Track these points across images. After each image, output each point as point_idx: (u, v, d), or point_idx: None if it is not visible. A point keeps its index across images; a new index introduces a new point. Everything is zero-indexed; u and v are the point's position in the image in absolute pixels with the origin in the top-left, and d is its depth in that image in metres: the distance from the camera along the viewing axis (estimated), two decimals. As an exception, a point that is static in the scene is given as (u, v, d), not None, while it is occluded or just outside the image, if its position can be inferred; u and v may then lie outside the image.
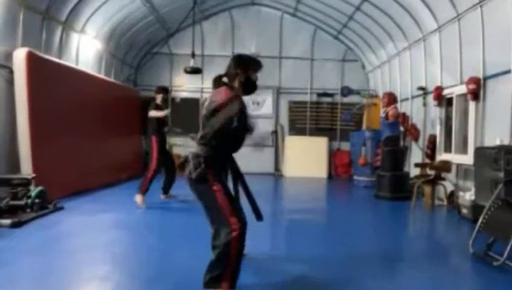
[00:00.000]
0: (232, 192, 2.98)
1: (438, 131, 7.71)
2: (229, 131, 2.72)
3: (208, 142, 2.78)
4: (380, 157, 8.58)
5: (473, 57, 6.34)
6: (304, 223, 5.62)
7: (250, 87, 2.97)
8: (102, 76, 9.39)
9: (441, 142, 7.67)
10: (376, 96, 11.01)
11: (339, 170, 11.82)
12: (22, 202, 5.31)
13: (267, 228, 5.10)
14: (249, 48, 12.09)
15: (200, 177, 2.73)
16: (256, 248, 4.23)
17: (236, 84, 2.91)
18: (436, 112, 7.79)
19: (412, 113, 8.96)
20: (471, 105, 6.41)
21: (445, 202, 6.71)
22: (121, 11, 8.96)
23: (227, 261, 2.69)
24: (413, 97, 8.90)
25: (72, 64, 7.90)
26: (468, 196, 5.71)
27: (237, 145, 2.89)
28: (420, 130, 8.49)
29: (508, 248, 3.50)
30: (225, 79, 2.98)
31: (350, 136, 11.55)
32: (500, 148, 4.46)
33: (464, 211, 5.80)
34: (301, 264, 3.69)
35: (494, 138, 5.43)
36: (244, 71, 2.92)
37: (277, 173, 11.88)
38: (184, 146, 12.05)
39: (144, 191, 6.22)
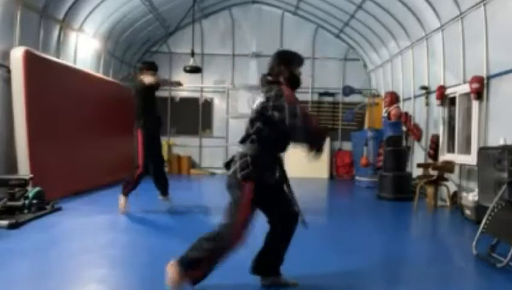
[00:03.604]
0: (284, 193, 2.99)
1: (441, 131, 7.64)
2: (288, 127, 2.64)
3: (258, 139, 2.76)
4: (382, 158, 8.51)
5: (476, 55, 6.27)
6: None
7: (295, 82, 2.94)
8: (100, 75, 9.34)
9: (443, 142, 7.60)
10: (378, 95, 10.95)
11: (341, 170, 11.76)
12: (19, 203, 5.26)
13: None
14: (249, 47, 12.06)
15: (246, 178, 2.71)
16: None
17: (281, 80, 2.88)
18: (439, 112, 7.72)
19: (415, 113, 8.89)
20: (475, 104, 6.34)
21: (448, 203, 6.64)
22: (120, 9, 8.91)
23: (209, 252, 2.73)
24: (415, 97, 8.83)
25: (70, 63, 7.85)
26: (471, 197, 5.65)
27: (288, 143, 2.86)
28: (423, 130, 8.42)
29: (512, 250, 3.44)
30: (269, 77, 2.94)
31: (352, 136, 11.48)
32: (504, 148, 4.40)
33: (467, 212, 5.73)
34: (301, 267, 3.64)
35: (498, 138, 5.38)
36: (287, 67, 2.92)
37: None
38: (184, 146, 12.07)
39: (127, 191, 5.61)
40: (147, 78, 5.54)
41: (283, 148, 2.92)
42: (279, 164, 2.94)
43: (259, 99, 2.81)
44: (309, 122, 2.67)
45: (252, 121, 2.82)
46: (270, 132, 2.76)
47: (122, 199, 5.64)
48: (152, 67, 5.77)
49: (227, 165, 2.88)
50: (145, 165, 5.57)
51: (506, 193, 3.96)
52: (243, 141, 2.84)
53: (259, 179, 2.75)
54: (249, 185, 2.72)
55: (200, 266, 2.76)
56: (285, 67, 2.91)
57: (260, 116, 2.76)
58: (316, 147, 2.68)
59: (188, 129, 11.98)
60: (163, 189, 6.16)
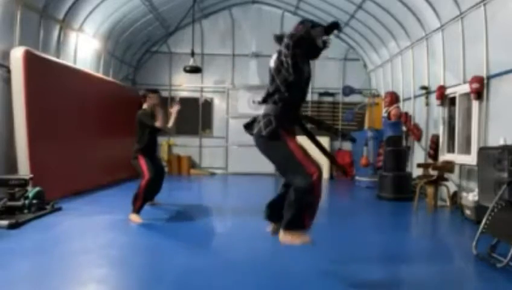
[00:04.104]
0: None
1: (441, 131, 7.63)
2: (302, 72, 2.75)
3: (278, 97, 2.79)
4: (382, 158, 8.51)
5: (476, 55, 6.27)
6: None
7: (313, 52, 2.86)
8: (100, 75, 9.33)
9: (443, 142, 7.59)
10: (378, 95, 10.93)
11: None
12: (20, 203, 5.27)
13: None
14: (249, 47, 12.06)
15: (272, 134, 2.73)
16: (259, 249, 4.17)
17: None
18: (439, 112, 7.72)
19: (415, 113, 8.88)
20: (475, 104, 6.34)
21: (448, 203, 6.64)
22: (120, 9, 8.91)
23: (305, 205, 2.75)
24: (415, 97, 8.82)
25: (70, 64, 7.85)
26: (471, 197, 5.64)
27: (306, 90, 2.96)
28: (423, 130, 8.42)
29: (512, 250, 3.44)
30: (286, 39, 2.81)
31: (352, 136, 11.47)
32: (504, 148, 4.41)
33: (467, 212, 5.73)
34: (302, 265, 3.64)
35: (498, 138, 5.38)
36: (308, 32, 2.77)
37: (277, 174, 11.81)
38: (184, 146, 12.06)
39: (137, 208, 5.31)
40: (158, 123, 5.53)
41: (301, 103, 3.00)
42: (299, 119, 3.05)
43: (275, 54, 2.81)
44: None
45: (272, 78, 2.83)
46: (288, 88, 2.78)
47: (133, 217, 5.28)
48: (155, 92, 5.91)
49: (248, 126, 2.96)
50: (151, 170, 5.40)
51: (506, 193, 3.95)
52: (264, 101, 2.87)
53: (283, 127, 2.80)
54: (280, 132, 2.77)
55: (306, 216, 2.81)
56: (306, 31, 2.78)
57: (279, 70, 2.77)
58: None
59: (188, 129, 11.97)
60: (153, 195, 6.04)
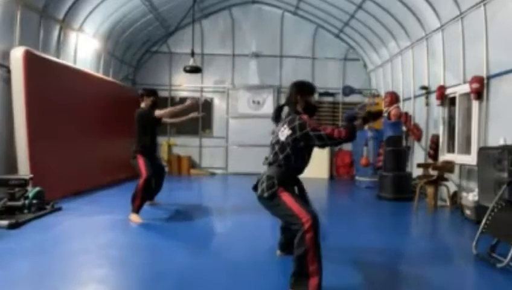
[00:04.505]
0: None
1: (441, 131, 7.63)
2: (305, 149, 3.17)
3: (285, 163, 3.14)
4: (382, 158, 8.51)
5: (476, 55, 6.27)
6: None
7: (311, 110, 3.33)
8: (100, 75, 9.33)
9: (443, 142, 7.60)
10: (378, 95, 10.94)
11: (341, 170, 11.75)
12: (20, 203, 5.28)
13: (268, 230, 5.03)
14: (249, 47, 12.06)
15: (272, 195, 3.08)
16: (259, 249, 4.17)
17: (299, 109, 3.28)
18: (439, 112, 7.72)
19: (415, 113, 8.88)
20: (475, 104, 6.34)
21: (448, 203, 6.64)
22: (120, 9, 8.91)
23: (307, 257, 2.85)
24: (415, 97, 8.82)
25: (70, 63, 7.85)
26: (471, 197, 5.64)
27: (308, 161, 3.30)
28: (422, 130, 8.42)
29: (513, 250, 3.44)
30: (286, 107, 3.37)
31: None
32: (504, 148, 4.40)
33: (467, 212, 5.73)
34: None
35: (498, 138, 5.38)
36: (302, 97, 3.30)
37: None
38: (184, 146, 12.06)
39: (136, 207, 5.33)
40: (157, 112, 5.62)
41: (303, 170, 3.33)
42: (298, 180, 3.40)
43: (285, 130, 3.13)
44: (334, 135, 2.99)
45: (282, 148, 3.15)
46: (296, 158, 3.15)
47: (133, 217, 5.30)
48: (153, 94, 5.87)
49: (255, 187, 3.27)
50: (148, 169, 5.44)
51: (506, 193, 3.95)
52: (271, 164, 3.21)
53: (283, 185, 3.11)
54: (279, 190, 3.08)
55: (312, 269, 2.88)
56: (300, 97, 3.29)
57: (290, 144, 3.11)
58: (345, 141, 3.08)
59: (188, 129, 11.96)
60: (153, 193, 6.22)
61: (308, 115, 3.21)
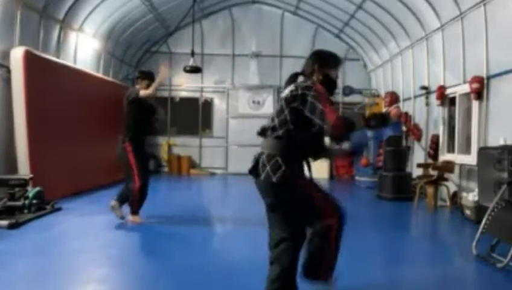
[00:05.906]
0: None
1: (441, 131, 7.63)
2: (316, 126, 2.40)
3: (287, 133, 2.45)
4: (382, 158, 8.51)
5: (476, 55, 6.27)
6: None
7: (329, 86, 2.63)
8: (100, 75, 9.33)
9: (443, 142, 7.59)
10: (378, 95, 10.94)
11: (341, 170, 11.74)
12: (20, 203, 5.28)
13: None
14: (249, 47, 12.06)
15: (283, 179, 2.42)
16: (258, 249, 4.17)
17: (315, 80, 2.60)
18: (439, 112, 7.71)
19: (415, 113, 8.88)
20: (475, 104, 6.34)
21: (448, 203, 6.63)
22: (120, 9, 8.91)
23: (325, 253, 2.67)
24: (415, 97, 8.82)
25: (70, 63, 7.85)
26: (471, 197, 5.64)
27: (318, 147, 2.71)
28: (422, 130, 8.41)
29: (513, 250, 3.44)
30: (301, 78, 2.67)
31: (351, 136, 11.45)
32: (504, 148, 4.40)
33: (467, 212, 5.73)
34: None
35: (498, 138, 5.37)
36: (321, 68, 2.64)
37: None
38: (184, 146, 12.06)
39: (136, 209, 5.18)
40: (142, 91, 5.12)
41: (314, 152, 2.75)
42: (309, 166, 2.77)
43: (289, 87, 2.53)
44: (328, 116, 2.34)
45: (279, 111, 2.49)
46: (299, 129, 2.47)
47: (133, 217, 5.18)
48: (148, 77, 5.30)
49: (252, 171, 2.56)
50: (142, 175, 5.12)
51: (506, 193, 3.95)
52: (262, 133, 2.56)
53: (296, 172, 2.53)
54: (297, 179, 2.53)
55: (328, 262, 2.78)
56: (319, 67, 2.64)
57: (288, 105, 2.46)
58: (336, 136, 2.53)
59: (188, 129, 11.97)
60: (126, 199, 5.28)
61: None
